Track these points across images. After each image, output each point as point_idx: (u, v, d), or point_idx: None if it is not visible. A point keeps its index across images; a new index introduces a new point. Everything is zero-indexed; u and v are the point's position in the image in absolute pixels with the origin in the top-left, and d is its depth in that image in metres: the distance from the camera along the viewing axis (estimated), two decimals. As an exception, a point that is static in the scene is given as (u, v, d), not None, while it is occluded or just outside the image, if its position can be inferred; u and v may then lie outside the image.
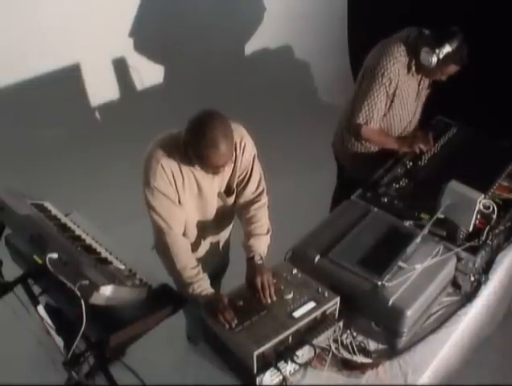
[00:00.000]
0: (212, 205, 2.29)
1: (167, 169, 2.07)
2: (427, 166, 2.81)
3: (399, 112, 2.85)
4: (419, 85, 2.83)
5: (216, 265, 2.59)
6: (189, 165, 2.09)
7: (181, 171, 2.10)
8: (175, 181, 2.10)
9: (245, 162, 2.22)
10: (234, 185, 2.28)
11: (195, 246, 2.36)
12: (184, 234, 2.25)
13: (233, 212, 2.42)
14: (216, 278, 2.57)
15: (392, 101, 2.78)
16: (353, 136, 2.93)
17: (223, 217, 2.40)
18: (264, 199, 2.30)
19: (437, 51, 2.57)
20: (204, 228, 2.36)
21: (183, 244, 2.18)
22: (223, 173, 2.18)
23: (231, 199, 2.32)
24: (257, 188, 2.29)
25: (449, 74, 2.71)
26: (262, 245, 2.23)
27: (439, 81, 2.79)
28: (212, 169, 2.06)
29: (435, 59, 2.59)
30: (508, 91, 3.52)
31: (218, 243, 2.53)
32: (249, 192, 2.28)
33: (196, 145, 1.98)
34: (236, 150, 2.15)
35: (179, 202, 2.15)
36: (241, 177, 2.26)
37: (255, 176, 2.27)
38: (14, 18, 4.00)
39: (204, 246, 2.44)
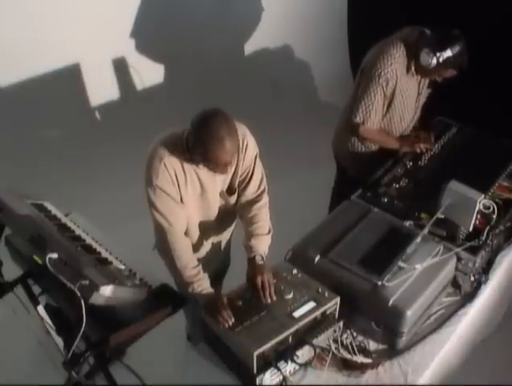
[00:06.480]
0: (215, 205, 2.29)
1: (170, 168, 2.06)
2: (427, 166, 2.81)
3: (400, 112, 2.84)
4: (419, 85, 2.82)
5: (217, 266, 2.59)
6: (192, 164, 2.09)
7: (184, 170, 2.09)
8: (177, 180, 2.09)
9: (247, 161, 2.22)
10: (236, 184, 2.27)
11: (197, 247, 2.36)
12: (186, 234, 2.25)
13: (234, 213, 2.41)
14: (217, 279, 2.57)
15: (391, 101, 2.78)
16: (353, 136, 2.93)
17: (225, 218, 2.40)
18: (265, 198, 2.30)
19: (438, 54, 2.56)
20: (206, 229, 2.36)
21: (185, 243, 2.18)
22: None
23: (233, 199, 2.32)
24: (258, 187, 2.28)
25: (446, 77, 2.70)
26: (263, 245, 2.23)
27: (437, 82, 2.78)
28: (219, 167, 2.04)
29: (434, 61, 2.58)
30: (508, 90, 3.52)
31: (220, 244, 2.53)
32: (250, 191, 2.28)
33: (201, 144, 1.97)
34: (238, 149, 2.16)
35: (181, 201, 2.15)
36: (242, 176, 2.25)
37: (257, 175, 2.26)
38: (14, 18, 4.00)
39: (206, 247, 2.43)
